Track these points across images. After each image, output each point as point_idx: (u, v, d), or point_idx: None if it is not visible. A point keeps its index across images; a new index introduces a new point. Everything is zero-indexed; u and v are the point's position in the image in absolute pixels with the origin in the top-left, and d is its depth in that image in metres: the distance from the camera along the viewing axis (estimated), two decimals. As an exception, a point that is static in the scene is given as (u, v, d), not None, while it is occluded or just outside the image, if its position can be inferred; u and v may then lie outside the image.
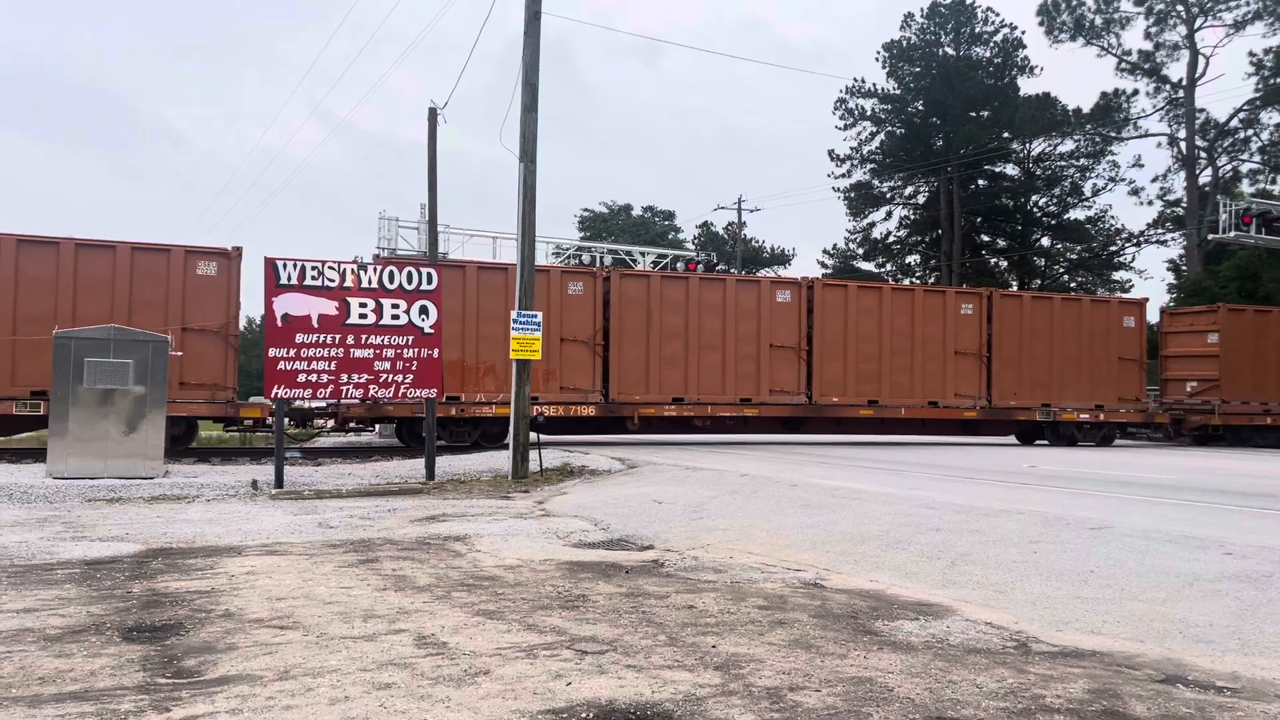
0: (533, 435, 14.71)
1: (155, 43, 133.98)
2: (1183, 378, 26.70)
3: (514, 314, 14.37)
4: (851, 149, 56.07)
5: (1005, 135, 51.51)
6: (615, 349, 20.48)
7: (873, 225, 58.13)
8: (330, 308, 13.14)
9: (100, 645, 4.72)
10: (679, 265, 31.85)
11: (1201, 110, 46.27)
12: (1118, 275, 55.81)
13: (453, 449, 18.97)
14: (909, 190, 56.97)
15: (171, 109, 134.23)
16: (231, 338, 17.79)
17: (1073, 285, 55.08)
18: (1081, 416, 24.17)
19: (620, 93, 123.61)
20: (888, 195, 57.37)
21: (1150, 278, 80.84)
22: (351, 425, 20.68)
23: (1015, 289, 48.61)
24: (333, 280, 13.16)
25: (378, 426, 22.97)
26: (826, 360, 22.01)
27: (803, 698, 3.94)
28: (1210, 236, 28.89)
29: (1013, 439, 25.96)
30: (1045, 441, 25.02)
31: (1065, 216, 54.67)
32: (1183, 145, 46.47)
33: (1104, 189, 52.97)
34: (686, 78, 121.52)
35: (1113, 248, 54.66)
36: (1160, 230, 51.88)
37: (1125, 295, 35.47)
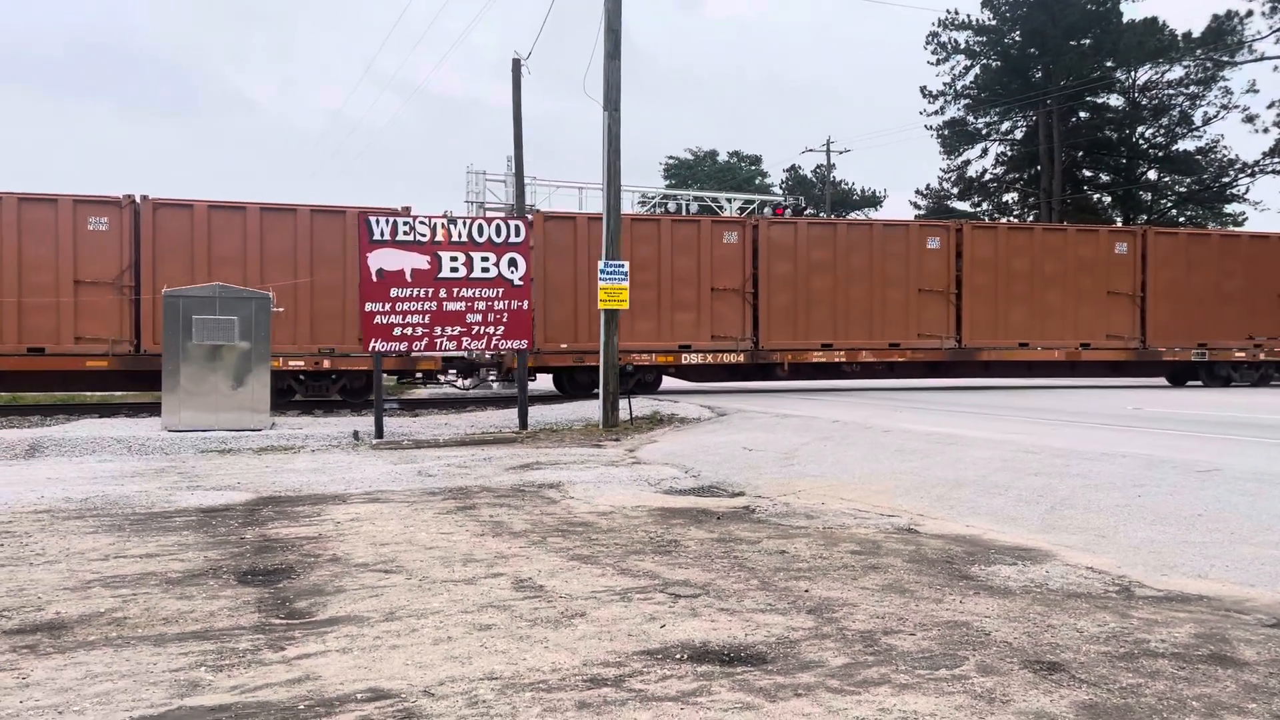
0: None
1: (215, 11, 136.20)
2: None
3: (601, 263, 14.41)
4: (945, 85, 54.06)
5: (1108, 64, 49.06)
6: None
7: (968, 163, 56.19)
8: (422, 262, 13.39)
9: (218, 588, 4.97)
10: (766, 210, 31.46)
11: (1324, 29, 43.33)
12: (1230, 208, 53.14)
13: (544, 399, 19.23)
14: (1005, 126, 54.82)
15: (239, 75, 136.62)
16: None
17: (1181, 220, 52.63)
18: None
19: (679, 42, 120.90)
20: (984, 131, 55.32)
21: (1267, 209, 76.34)
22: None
23: (1120, 225, 46.60)
24: (424, 235, 13.40)
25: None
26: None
27: (897, 641, 3.93)
28: (1333, 164, 27.07)
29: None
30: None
31: (1174, 148, 51.98)
32: (1303, 67, 43.65)
33: (1215, 117, 50.07)
34: (739, 24, 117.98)
35: (1225, 179, 51.95)
36: (1277, 159, 49.10)
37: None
